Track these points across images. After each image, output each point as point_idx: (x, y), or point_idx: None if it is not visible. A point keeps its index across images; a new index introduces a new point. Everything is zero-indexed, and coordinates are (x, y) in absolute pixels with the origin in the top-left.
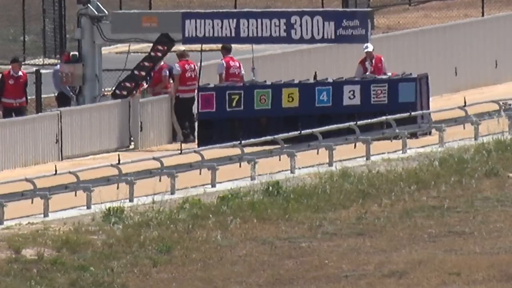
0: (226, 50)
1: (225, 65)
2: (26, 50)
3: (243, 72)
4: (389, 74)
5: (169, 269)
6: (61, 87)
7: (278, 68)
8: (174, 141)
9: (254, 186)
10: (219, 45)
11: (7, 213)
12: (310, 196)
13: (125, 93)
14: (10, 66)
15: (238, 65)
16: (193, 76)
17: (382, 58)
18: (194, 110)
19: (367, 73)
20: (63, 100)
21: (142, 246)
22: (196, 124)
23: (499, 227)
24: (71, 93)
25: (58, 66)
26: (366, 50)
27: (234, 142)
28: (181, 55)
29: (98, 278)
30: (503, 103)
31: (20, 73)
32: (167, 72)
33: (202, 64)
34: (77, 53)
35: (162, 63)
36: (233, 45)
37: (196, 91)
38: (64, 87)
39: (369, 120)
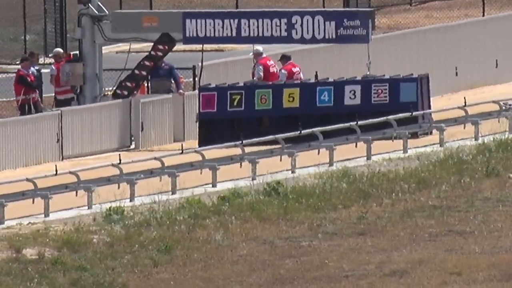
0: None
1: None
2: (27, 50)
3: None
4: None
5: (170, 269)
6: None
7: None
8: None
9: (255, 186)
10: (220, 45)
11: (8, 213)
12: (311, 195)
13: (126, 92)
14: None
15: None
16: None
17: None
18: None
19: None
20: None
21: (143, 246)
22: (197, 124)
23: (499, 226)
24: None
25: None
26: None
27: (235, 142)
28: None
29: (99, 278)
30: (503, 103)
31: (31, 70)
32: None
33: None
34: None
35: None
36: (233, 45)
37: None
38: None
39: (370, 120)
